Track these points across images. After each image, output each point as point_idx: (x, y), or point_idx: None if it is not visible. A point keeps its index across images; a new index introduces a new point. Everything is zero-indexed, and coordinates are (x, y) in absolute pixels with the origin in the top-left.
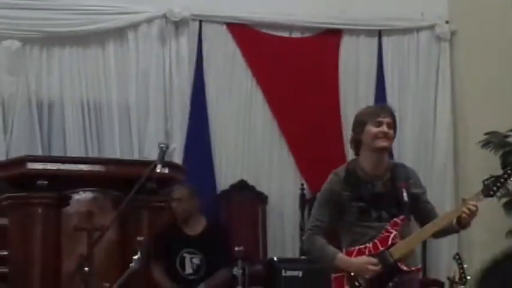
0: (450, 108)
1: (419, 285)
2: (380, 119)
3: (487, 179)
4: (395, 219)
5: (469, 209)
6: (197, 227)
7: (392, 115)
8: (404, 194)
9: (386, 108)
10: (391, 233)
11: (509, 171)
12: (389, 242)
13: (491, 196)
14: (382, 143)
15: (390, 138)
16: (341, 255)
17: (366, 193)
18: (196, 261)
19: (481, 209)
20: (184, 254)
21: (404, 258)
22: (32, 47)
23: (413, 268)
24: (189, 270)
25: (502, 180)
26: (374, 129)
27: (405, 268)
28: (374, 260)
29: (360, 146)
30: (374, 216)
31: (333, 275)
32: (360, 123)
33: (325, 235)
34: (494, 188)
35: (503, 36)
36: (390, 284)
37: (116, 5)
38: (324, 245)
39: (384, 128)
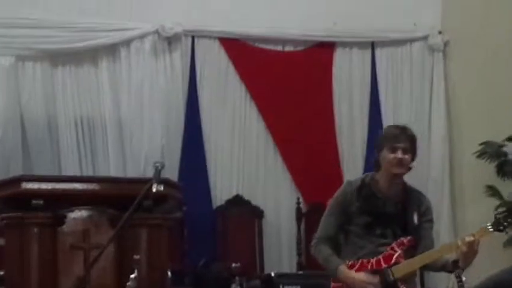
0: (445, 118)
1: None
2: (395, 145)
3: (499, 213)
4: (402, 238)
5: (467, 243)
6: None
7: (410, 138)
8: (415, 217)
9: (404, 132)
10: (396, 251)
11: None
12: (393, 261)
13: (501, 231)
14: (396, 170)
15: (405, 164)
16: (342, 267)
17: (375, 209)
18: None
19: (476, 221)
20: None
21: (405, 278)
22: (25, 64)
23: None
24: None
25: None
26: (389, 156)
27: None
28: (375, 280)
29: (380, 166)
30: (378, 233)
31: (333, 284)
32: (378, 146)
33: (332, 244)
34: (505, 224)
35: (496, 46)
36: None
37: (108, 21)
38: (329, 255)
39: (398, 155)
